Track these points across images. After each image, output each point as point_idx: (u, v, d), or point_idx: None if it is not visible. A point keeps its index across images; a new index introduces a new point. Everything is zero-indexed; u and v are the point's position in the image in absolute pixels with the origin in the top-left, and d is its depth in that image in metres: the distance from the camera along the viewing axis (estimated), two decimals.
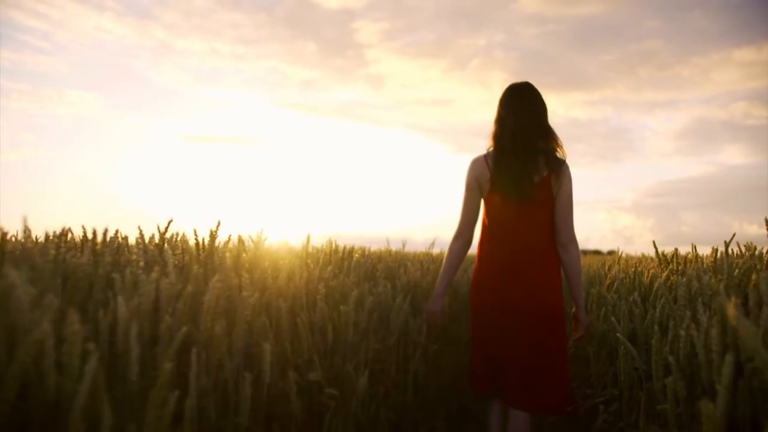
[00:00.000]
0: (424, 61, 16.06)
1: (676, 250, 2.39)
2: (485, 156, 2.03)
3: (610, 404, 2.18)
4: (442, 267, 2.17)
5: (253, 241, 1.98)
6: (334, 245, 2.77)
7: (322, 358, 1.78)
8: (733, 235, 2.16)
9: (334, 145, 14.44)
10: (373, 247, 4.11)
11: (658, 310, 1.81)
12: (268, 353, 1.30)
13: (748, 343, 0.78)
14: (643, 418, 1.68)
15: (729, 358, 1.06)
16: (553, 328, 1.93)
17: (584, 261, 7.57)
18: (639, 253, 5.69)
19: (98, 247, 1.29)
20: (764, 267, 1.79)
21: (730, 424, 1.13)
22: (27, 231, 1.20)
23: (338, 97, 15.51)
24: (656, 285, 2.03)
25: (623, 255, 5.25)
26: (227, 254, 1.76)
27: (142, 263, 1.34)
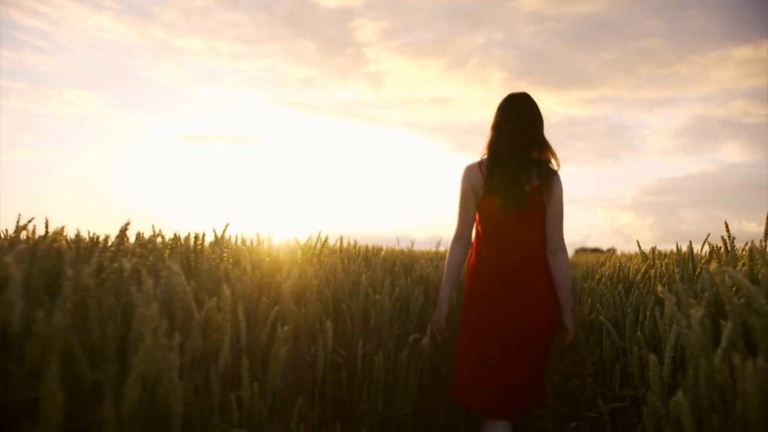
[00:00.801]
0: (423, 60, 16.31)
1: (655, 247, 2.79)
2: (479, 163, 2.08)
3: (597, 377, 2.58)
4: (446, 270, 2.19)
5: (297, 241, 2.38)
6: (354, 244, 3.17)
7: (356, 339, 2.17)
8: (708, 235, 2.52)
9: (333, 144, 14.49)
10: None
11: (634, 297, 2.20)
12: (330, 329, 1.70)
13: (669, 309, 1.17)
14: (618, 383, 2.08)
15: (675, 327, 1.46)
16: (548, 327, 2.04)
17: (583, 259, 7.93)
18: (636, 251, 5.99)
19: (198, 246, 1.69)
20: (722, 262, 2.18)
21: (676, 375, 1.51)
22: (154, 234, 1.60)
23: (337, 95, 15.62)
24: (636, 278, 2.43)
25: (618, 253, 5.66)
26: (281, 251, 2.16)
27: (231, 260, 1.74)
